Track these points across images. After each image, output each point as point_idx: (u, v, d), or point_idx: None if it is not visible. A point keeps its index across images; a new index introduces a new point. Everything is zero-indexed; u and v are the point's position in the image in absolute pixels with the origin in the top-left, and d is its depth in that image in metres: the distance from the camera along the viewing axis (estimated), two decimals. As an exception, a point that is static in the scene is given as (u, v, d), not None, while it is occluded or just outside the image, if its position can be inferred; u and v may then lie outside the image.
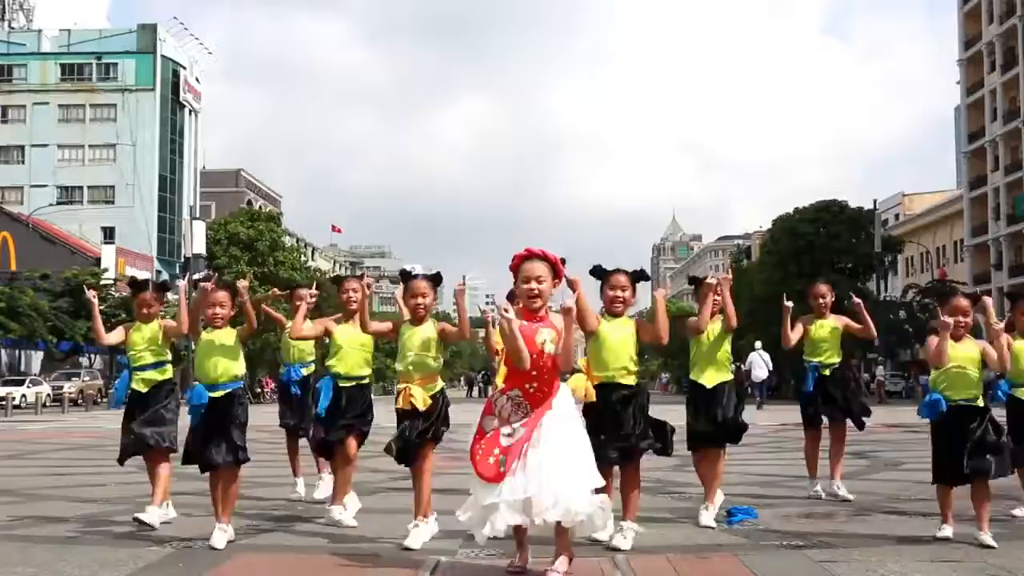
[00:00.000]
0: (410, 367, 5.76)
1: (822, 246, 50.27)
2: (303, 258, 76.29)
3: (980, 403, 5.87)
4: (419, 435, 5.70)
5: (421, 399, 5.67)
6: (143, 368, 6.72)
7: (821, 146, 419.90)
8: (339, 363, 6.68)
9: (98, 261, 58.16)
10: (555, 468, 4.63)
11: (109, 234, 66.01)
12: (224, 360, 6.04)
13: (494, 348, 5.55)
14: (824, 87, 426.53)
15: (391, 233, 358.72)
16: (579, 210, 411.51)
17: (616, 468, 5.72)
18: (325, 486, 7.66)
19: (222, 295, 6.16)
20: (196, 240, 61.41)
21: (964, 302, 5.98)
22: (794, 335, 7.82)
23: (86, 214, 66.91)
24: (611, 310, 5.84)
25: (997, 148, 61.16)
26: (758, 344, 29.60)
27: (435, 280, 6.00)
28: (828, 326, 7.96)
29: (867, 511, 7.18)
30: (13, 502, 8.14)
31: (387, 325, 6.20)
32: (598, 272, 5.88)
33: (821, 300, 7.98)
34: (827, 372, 7.90)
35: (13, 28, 76.93)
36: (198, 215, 67.71)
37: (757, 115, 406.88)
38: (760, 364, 29.36)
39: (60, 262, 52.44)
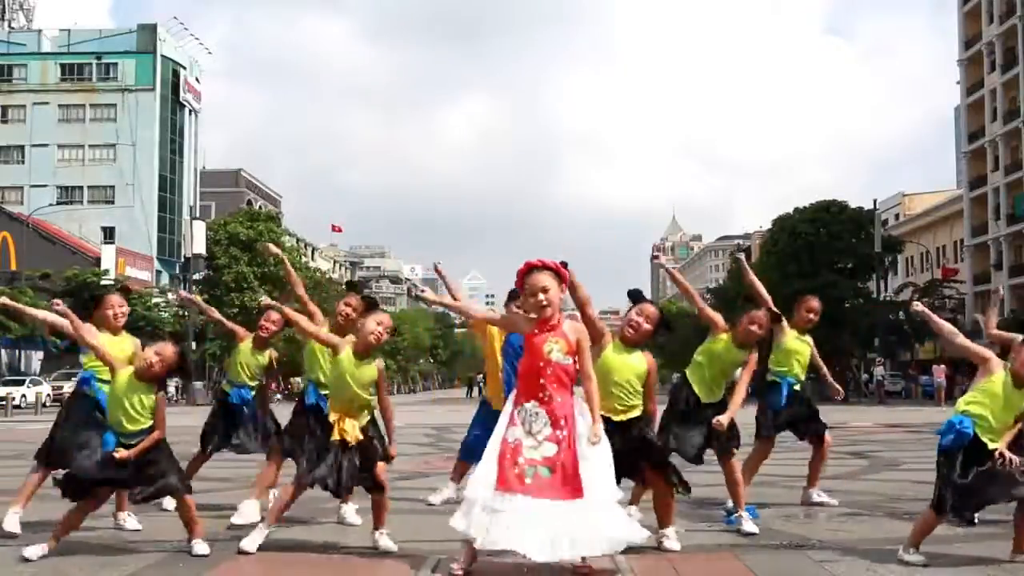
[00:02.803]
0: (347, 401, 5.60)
1: (822, 246, 50.37)
2: (303, 258, 76.27)
3: None
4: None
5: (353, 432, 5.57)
6: None
7: (822, 146, 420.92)
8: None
9: (98, 261, 58.20)
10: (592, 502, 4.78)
11: (109, 234, 66.05)
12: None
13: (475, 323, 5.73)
14: (825, 87, 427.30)
15: (391, 233, 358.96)
16: (579, 210, 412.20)
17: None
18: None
19: None
20: (196, 240, 61.43)
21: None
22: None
23: (86, 214, 66.97)
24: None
25: (997, 148, 61.18)
26: None
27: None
28: None
29: (867, 511, 7.18)
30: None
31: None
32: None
33: None
34: None
35: (13, 28, 76.98)
36: (198, 215, 67.74)
37: (758, 115, 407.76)
38: None
39: (60, 262, 52.48)
